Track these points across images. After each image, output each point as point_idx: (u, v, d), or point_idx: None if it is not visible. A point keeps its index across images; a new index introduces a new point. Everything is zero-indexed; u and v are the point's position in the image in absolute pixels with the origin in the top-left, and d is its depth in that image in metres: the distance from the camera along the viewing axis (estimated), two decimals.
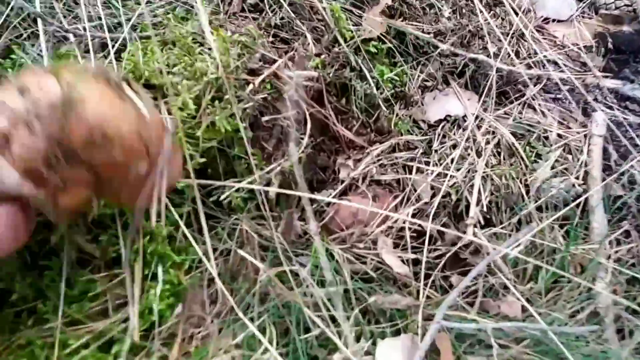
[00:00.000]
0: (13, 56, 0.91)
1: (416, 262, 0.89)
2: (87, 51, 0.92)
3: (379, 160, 0.95)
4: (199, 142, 0.88)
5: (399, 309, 0.84)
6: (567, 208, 1.02)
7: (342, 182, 0.92)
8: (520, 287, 0.91)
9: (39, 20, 0.89)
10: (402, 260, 0.86)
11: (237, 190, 0.89)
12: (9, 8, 0.91)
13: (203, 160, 0.89)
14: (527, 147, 1.14)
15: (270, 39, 1.04)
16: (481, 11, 1.20)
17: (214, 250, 0.87)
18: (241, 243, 0.86)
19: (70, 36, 0.92)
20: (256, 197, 0.89)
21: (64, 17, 0.93)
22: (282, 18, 1.03)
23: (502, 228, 0.98)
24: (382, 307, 0.84)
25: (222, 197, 0.85)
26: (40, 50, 0.92)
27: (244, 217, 0.87)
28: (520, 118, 1.18)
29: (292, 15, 1.03)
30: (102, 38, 0.91)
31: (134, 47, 0.94)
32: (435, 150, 1.01)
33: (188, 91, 0.87)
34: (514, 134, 1.17)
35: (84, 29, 0.92)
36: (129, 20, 0.97)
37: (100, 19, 0.97)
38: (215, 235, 0.87)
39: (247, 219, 0.87)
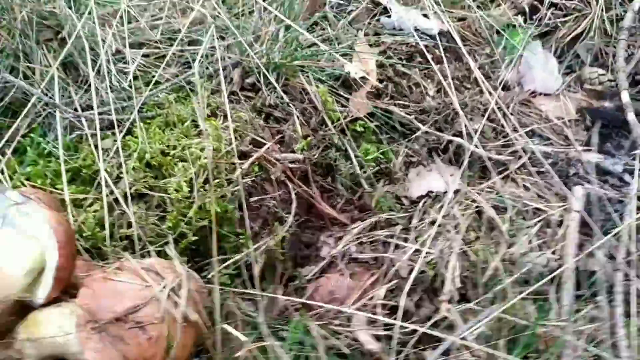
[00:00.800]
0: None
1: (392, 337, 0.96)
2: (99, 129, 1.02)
3: (358, 238, 1.03)
4: (191, 221, 0.96)
5: None
6: (540, 283, 1.08)
7: (323, 259, 1.00)
8: None
9: (57, 111, 1.00)
10: (377, 337, 0.93)
11: (226, 267, 0.97)
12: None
13: (195, 238, 0.97)
14: (508, 222, 1.21)
15: (262, 118, 1.13)
16: (464, 87, 1.29)
17: None
18: (225, 317, 0.94)
19: (83, 120, 1.02)
20: (242, 274, 0.97)
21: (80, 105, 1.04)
22: (276, 97, 1.12)
23: (476, 304, 1.04)
24: None
25: (211, 274, 0.93)
26: (56, 137, 1.03)
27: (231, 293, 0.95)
28: (503, 192, 1.26)
29: (285, 96, 1.12)
30: (110, 121, 1.01)
31: (138, 129, 1.03)
32: (415, 227, 1.09)
33: (183, 174, 0.96)
34: (496, 207, 1.24)
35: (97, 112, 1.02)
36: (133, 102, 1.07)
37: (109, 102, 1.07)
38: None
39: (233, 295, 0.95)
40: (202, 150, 1.00)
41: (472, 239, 1.16)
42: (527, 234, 1.24)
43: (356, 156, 1.14)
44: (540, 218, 1.27)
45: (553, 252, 1.21)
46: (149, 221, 1.00)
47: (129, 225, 1.02)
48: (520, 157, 1.37)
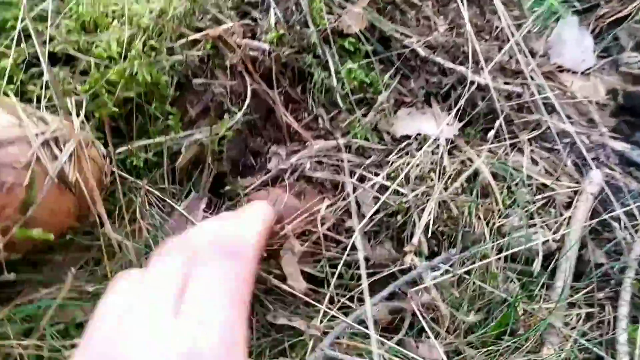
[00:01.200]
0: None
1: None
2: None
3: (317, 156, 0.83)
4: (115, 90, 0.78)
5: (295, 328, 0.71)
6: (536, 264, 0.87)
7: (269, 171, 0.80)
8: (450, 335, 0.77)
9: None
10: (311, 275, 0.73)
11: (145, 151, 0.78)
12: None
13: (117, 110, 0.79)
14: (506, 190, 1.00)
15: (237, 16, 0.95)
16: (481, 36, 1.10)
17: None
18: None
19: None
20: (163, 164, 0.78)
21: None
22: None
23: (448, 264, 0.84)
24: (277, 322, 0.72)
25: (119, 153, 0.75)
26: None
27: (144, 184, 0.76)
28: (506, 160, 1.05)
29: None
30: None
31: None
32: (390, 163, 0.89)
33: (116, 33, 0.78)
34: (494, 174, 1.04)
35: None
36: None
37: None
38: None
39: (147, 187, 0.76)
40: (150, 12, 0.82)
41: (457, 193, 0.96)
42: (526, 208, 1.03)
43: (337, 72, 0.95)
44: (545, 195, 1.06)
45: (554, 233, 1.00)
46: (65, 83, 0.82)
47: (46, 87, 0.84)
48: (534, 128, 1.17)
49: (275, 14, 0.96)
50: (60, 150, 0.67)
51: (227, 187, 0.84)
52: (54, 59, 0.90)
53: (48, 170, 0.65)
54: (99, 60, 0.83)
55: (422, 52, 1.02)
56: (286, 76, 0.93)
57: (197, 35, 0.83)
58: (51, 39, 0.89)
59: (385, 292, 0.77)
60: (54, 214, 0.67)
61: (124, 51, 0.81)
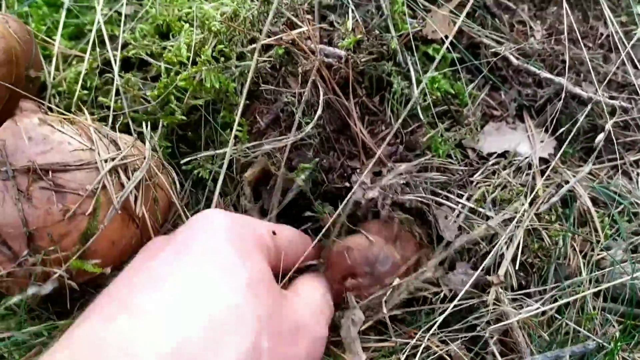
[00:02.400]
0: None
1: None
2: None
3: (404, 179, 0.77)
4: (183, 98, 0.75)
5: None
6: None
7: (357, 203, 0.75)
8: None
9: None
10: None
11: (212, 163, 0.75)
12: None
13: (184, 118, 0.76)
14: (606, 219, 0.90)
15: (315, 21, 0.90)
16: (584, 44, 0.99)
17: None
18: None
19: None
20: (233, 178, 0.75)
21: None
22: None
23: (537, 300, 0.75)
24: None
25: (185, 164, 0.72)
26: None
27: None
28: (609, 183, 0.94)
29: None
30: None
31: None
32: (475, 185, 0.81)
33: (186, 37, 0.75)
34: (593, 199, 0.93)
35: None
36: None
37: None
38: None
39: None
40: (221, 14, 0.79)
41: (550, 220, 0.86)
42: (631, 240, 0.92)
43: (419, 81, 0.88)
44: None
45: None
46: (135, 89, 0.80)
47: (117, 94, 0.83)
48: None
49: (353, 17, 0.90)
50: (128, 178, 0.65)
51: (309, 213, 0.80)
52: (128, 64, 0.89)
53: (113, 200, 0.63)
54: (170, 65, 0.81)
55: (515, 61, 0.93)
56: (363, 85, 0.87)
57: (269, 40, 0.79)
58: (127, 44, 0.88)
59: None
60: (115, 246, 0.65)
61: (193, 56, 0.78)
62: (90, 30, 0.90)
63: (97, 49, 0.87)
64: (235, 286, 0.53)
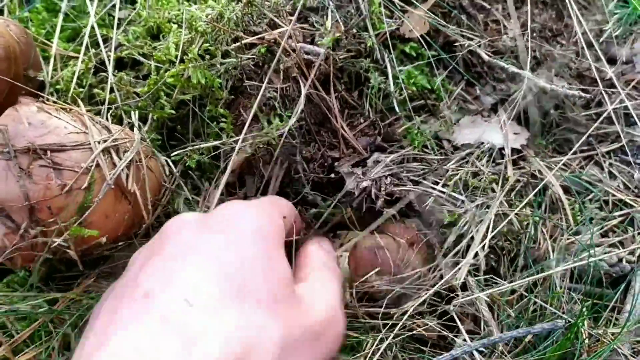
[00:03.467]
0: None
1: None
2: None
3: (391, 169, 0.82)
4: (172, 93, 0.81)
5: None
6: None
7: (352, 194, 0.81)
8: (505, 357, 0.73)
9: None
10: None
11: (200, 154, 0.81)
12: None
13: (173, 112, 0.82)
14: (577, 206, 0.94)
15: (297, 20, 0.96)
16: (557, 41, 1.05)
17: None
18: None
19: None
20: (218, 167, 0.80)
21: None
22: (318, 1, 0.95)
23: (507, 281, 0.80)
24: None
25: (174, 155, 0.77)
26: None
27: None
28: (580, 173, 0.99)
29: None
30: None
31: None
32: (449, 173, 0.86)
33: (175, 37, 0.81)
34: (566, 188, 0.98)
35: None
36: None
37: None
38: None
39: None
40: (207, 16, 0.85)
41: (520, 206, 0.91)
42: (600, 225, 0.97)
43: (395, 77, 0.93)
44: (622, 212, 0.99)
45: (631, 254, 0.93)
46: (128, 86, 0.86)
47: (112, 91, 0.89)
48: (613, 140, 1.10)
49: (334, 17, 0.96)
50: (120, 158, 0.71)
51: (314, 210, 0.86)
52: (121, 63, 0.95)
53: (106, 176, 0.69)
54: (160, 64, 0.87)
55: (486, 57, 0.99)
56: (342, 81, 0.93)
57: (252, 39, 0.85)
58: (120, 45, 0.94)
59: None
60: (108, 219, 0.70)
61: (181, 55, 0.84)
62: (86, 33, 0.96)
63: (92, 50, 0.93)
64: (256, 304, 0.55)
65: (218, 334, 0.49)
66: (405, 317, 0.79)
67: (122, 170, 0.70)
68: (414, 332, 0.79)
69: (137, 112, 0.83)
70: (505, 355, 0.79)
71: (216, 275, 0.54)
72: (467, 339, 0.77)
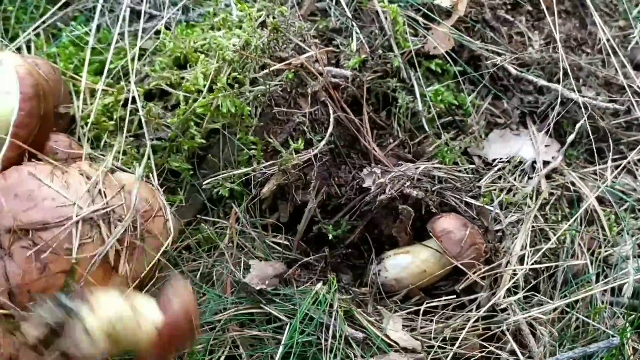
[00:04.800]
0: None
1: None
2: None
3: (410, 177, 0.81)
4: (201, 122, 0.81)
5: None
6: None
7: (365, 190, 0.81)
8: None
9: None
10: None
11: (232, 182, 0.81)
12: None
13: (203, 142, 0.82)
14: (613, 217, 0.93)
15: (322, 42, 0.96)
16: (582, 50, 1.03)
17: None
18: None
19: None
20: (250, 193, 0.80)
21: None
22: (342, 22, 0.95)
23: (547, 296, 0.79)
24: None
25: (206, 183, 0.78)
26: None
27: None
28: (614, 183, 0.98)
29: (353, 21, 0.94)
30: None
31: (179, 28, 0.93)
32: (479, 188, 0.85)
33: (203, 67, 0.82)
34: (599, 199, 0.96)
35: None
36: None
37: None
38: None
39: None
40: (234, 44, 0.85)
41: (557, 220, 0.90)
42: (637, 235, 0.95)
43: (423, 95, 0.93)
44: None
45: None
46: (157, 119, 0.86)
47: (140, 124, 0.89)
48: None
49: (358, 39, 0.96)
50: (110, 232, 0.67)
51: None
52: (149, 94, 0.96)
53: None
54: (189, 93, 0.87)
55: (513, 71, 0.98)
56: (370, 102, 0.93)
57: (279, 65, 0.85)
58: (147, 76, 0.95)
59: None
60: None
61: (209, 84, 0.84)
62: (115, 66, 0.97)
63: (123, 82, 0.93)
64: None
65: None
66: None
67: (112, 246, 0.67)
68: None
69: (141, 164, 0.82)
70: None
71: None
72: None
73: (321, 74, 0.87)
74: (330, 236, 0.86)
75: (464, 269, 0.82)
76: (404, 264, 0.85)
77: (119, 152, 0.88)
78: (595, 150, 1.05)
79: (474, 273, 0.80)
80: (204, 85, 0.85)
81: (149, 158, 0.88)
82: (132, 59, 0.97)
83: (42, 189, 0.68)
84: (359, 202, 0.86)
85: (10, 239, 0.64)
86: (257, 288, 0.76)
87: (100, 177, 0.73)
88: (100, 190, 0.72)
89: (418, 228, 0.88)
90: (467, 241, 0.81)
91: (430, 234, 0.83)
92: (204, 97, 0.83)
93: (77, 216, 0.66)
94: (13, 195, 0.66)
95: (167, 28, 1.00)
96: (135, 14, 1.06)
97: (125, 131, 0.89)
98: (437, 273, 0.84)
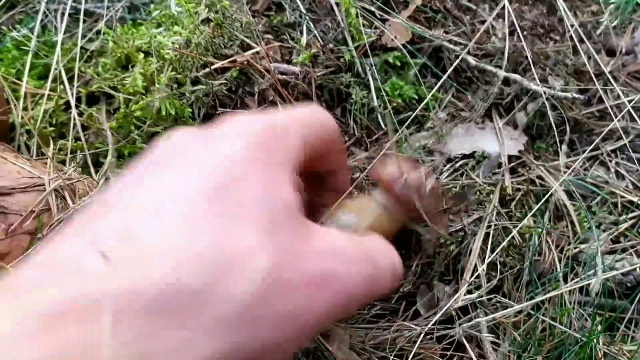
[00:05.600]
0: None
1: None
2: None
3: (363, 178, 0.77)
4: (144, 125, 0.76)
5: None
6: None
7: None
8: None
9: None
10: None
11: None
12: None
13: (144, 146, 0.78)
14: (583, 211, 0.88)
15: (275, 37, 0.91)
16: (550, 38, 0.99)
17: None
18: None
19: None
20: None
21: None
22: (298, 16, 0.90)
23: (514, 300, 0.74)
24: None
25: None
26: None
27: None
28: (585, 175, 0.93)
29: (306, 14, 0.90)
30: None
31: (125, 27, 0.89)
32: (442, 186, 0.80)
33: (143, 67, 0.77)
34: (569, 193, 0.92)
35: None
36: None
37: None
38: None
39: None
40: (173, 43, 0.80)
41: (521, 217, 0.85)
42: (609, 230, 0.90)
43: (378, 90, 0.88)
44: (633, 215, 0.92)
45: None
46: (97, 124, 0.81)
47: (84, 128, 0.85)
48: (618, 137, 1.03)
49: (311, 33, 0.91)
50: (74, 202, 0.66)
51: None
52: (92, 98, 0.91)
53: (54, 217, 0.64)
54: (130, 96, 0.82)
55: (473, 62, 0.93)
56: (323, 99, 0.88)
57: (223, 63, 0.80)
58: (91, 79, 0.90)
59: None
60: None
61: (148, 85, 0.80)
62: (57, 69, 0.92)
63: (61, 87, 0.89)
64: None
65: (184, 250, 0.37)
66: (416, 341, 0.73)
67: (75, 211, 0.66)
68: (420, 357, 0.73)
69: (110, 152, 0.78)
70: None
71: (196, 183, 0.40)
72: None
73: (268, 71, 0.82)
74: None
75: (428, 220, 0.63)
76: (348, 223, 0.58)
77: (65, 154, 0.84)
78: (565, 142, 1.01)
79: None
80: (144, 87, 0.80)
81: (94, 166, 0.84)
82: (74, 59, 0.93)
83: (8, 165, 0.69)
84: None
85: None
86: None
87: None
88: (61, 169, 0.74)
89: None
90: (425, 186, 0.62)
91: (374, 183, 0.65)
92: (142, 100, 0.79)
93: (46, 181, 0.68)
94: None
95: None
96: (86, 14, 1.02)
97: (71, 136, 0.85)
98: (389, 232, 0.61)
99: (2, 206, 0.62)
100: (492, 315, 0.75)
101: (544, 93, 0.90)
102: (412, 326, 0.71)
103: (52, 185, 0.65)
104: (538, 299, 0.78)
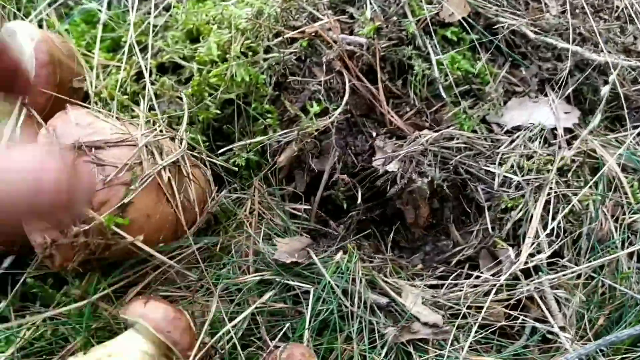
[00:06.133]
0: None
1: None
2: None
3: (424, 149, 0.79)
4: (216, 94, 0.79)
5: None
6: None
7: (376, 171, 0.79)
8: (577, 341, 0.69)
9: None
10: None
11: (247, 151, 0.79)
12: None
13: (218, 112, 0.81)
14: (636, 184, 0.90)
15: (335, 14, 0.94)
16: (600, 17, 1.00)
17: None
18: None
19: None
20: (267, 163, 0.79)
21: None
22: None
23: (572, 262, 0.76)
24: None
25: (221, 153, 0.76)
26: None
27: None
28: (636, 149, 0.95)
29: None
30: None
31: (191, 2, 0.92)
32: (502, 156, 0.82)
33: (216, 37, 0.80)
34: (622, 166, 0.93)
35: None
36: None
37: None
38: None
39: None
40: (246, 13, 0.83)
41: (579, 186, 0.87)
42: None
43: (439, 63, 0.90)
44: None
45: None
46: (171, 91, 0.85)
47: (156, 97, 0.88)
48: None
49: (372, 7, 0.93)
50: (162, 159, 0.70)
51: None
52: (162, 68, 0.94)
53: (146, 170, 0.67)
54: (202, 65, 0.85)
55: (532, 35, 0.95)
56: (386, 70, 0.90)
57: (293, 33, 0.83)
58: (160, 50, 0.93)
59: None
60: (150, 219, 0.69)
61: (223, 54, 0.83)
62: (126, 42, 0.95)
63: (135, 58, 0.92)
64: None
65: None
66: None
67: (164, 169, 0.69)
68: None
69: (185, 117, 0.81)
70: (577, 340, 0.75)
71: None
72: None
73: (335, 42, 0.85)
74: (345, 205, 0.85)
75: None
76: None
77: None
78: (616, 117, 1.03)
79: None
80: (218, 56, 0.83)
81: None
82: (145, 33, 0.96)
83: (100, 122, 0.72)
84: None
85: (75, 154, 0.66)
86: (289, 261, 0.74)
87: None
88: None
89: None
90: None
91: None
92: (217, 67, 0.82)
93: (138, 136, 0.71)
94: (75, 123, 0.69)
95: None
96: None
97: (146, 102, 0.88)
98: None
99: (99, 158, 0.65)
100: (555, 275, 0.77)
101: (609, 63, 0.92)
102: (483, 280, 0.74)
103: (144, 141, 0.68)
104: (598, 261, 0.80)
